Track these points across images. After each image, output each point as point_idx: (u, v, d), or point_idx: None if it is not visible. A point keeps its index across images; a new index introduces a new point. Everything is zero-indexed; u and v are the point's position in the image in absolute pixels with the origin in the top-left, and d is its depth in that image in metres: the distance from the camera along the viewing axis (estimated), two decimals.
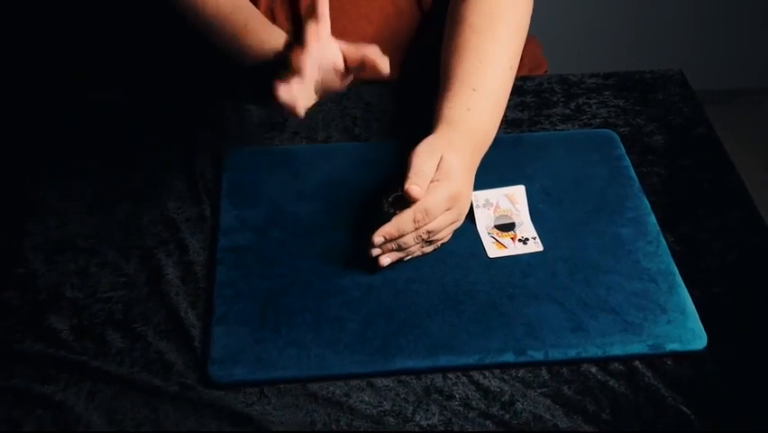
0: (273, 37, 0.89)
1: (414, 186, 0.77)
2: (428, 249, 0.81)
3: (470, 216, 0.84)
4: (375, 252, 0.78)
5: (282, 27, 1.02)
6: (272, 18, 1.02)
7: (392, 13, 1.01)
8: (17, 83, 1.75)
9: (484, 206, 0.84)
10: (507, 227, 0.83)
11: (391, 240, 0.78)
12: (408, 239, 0.78)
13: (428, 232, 0.78)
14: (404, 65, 1.05)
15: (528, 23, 0.94)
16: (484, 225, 0.84)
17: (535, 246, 0.82)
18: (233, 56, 0.92)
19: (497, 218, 0.84)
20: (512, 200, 0.84)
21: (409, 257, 0.80)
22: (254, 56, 0.89)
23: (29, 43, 1.71)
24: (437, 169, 0.80)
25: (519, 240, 0.82)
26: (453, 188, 0.79)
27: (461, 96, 0.86)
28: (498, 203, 0.84)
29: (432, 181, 0.79)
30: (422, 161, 0.79)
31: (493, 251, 0.82)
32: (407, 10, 1.02)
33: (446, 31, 0.94)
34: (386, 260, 0.79)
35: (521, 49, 0.93)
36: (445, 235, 0.82)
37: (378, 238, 0.77)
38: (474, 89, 0.87)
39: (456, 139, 0.83)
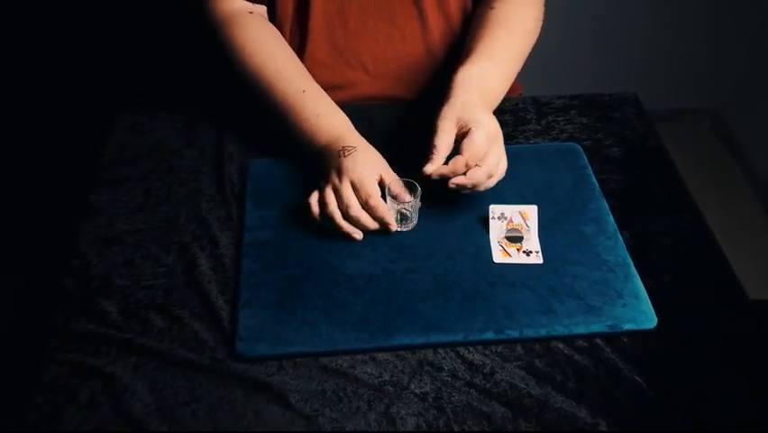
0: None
1: (427, 166, 0.79)
2: (492, 182, 0.82)
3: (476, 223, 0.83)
4: (427, 171, 0.79)
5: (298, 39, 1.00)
6: (304, 35, 1.00)
7: (398, 37, 1.01)
8: (73, 106, 1.75)
9: (499, 218, 0.83)
10: (515, 240, 0.82)
11: (445, 176, 0.79)
12: (478, 176, 0.79)
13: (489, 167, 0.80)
14: (410, 86, 1.04)
15: (537, 25, 0.99)
16: (496, 234, 0.82)
17: (537, 259, 0.80)
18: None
19: (508, 230, 0.82)
20: (524, 217, 0.83)
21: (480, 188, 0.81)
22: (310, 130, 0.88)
23: (86, 66, 1.71)
24: (465, 118, 0.81)
25: (524, 252, 0.81)
26: (487, 129, 0.81)
27: (476, 63, 0.89)
28: (511, 217, 0.83)
29: (468, 129, 0.80)
30: (444, 135, 0.81)
31: (499, 257, 0.80)
32: (412, 35, 1.01)
33: (471, 29, 0.97)
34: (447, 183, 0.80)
35: (530, 40, 0.98)
36: (500, 168, 0.82)
37: (428, 168, 0.79)
38: (489, 59, 0.90)
39: (469, 97, 0.85)
